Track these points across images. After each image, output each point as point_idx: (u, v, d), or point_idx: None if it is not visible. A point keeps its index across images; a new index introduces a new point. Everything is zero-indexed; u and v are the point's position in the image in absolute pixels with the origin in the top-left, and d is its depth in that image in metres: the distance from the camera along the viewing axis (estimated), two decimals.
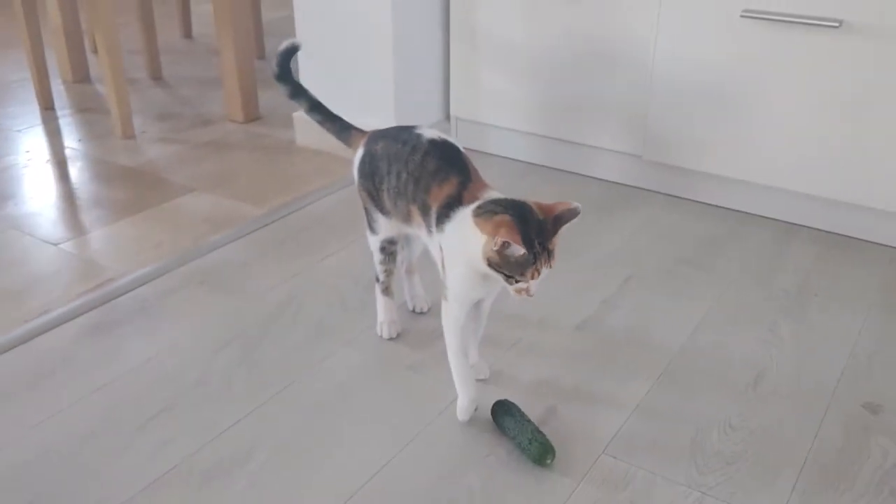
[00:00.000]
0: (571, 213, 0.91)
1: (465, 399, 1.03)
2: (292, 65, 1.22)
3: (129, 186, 1.69)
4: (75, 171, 1.77)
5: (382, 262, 1.16)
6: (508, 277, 0.90)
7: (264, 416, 1.04)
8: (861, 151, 1.39)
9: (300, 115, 1.87)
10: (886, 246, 1.45)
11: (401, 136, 1.07)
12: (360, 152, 1.12)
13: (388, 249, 1.15)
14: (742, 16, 1.41)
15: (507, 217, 0.89)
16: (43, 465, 0.96)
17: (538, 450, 0.96)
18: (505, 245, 0.87)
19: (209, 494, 0.92)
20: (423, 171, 1.02)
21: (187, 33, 2.75)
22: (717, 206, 1.60)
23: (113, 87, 1.86)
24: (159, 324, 1.23)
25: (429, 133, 1.07)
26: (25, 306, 1.27)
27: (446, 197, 0.99)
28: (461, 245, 0.94)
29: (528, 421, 0.99)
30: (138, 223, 1.54)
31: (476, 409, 1.04)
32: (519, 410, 1.01)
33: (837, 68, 1.37)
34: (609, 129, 1.65)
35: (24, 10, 2.03)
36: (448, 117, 1.87)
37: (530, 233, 0.89)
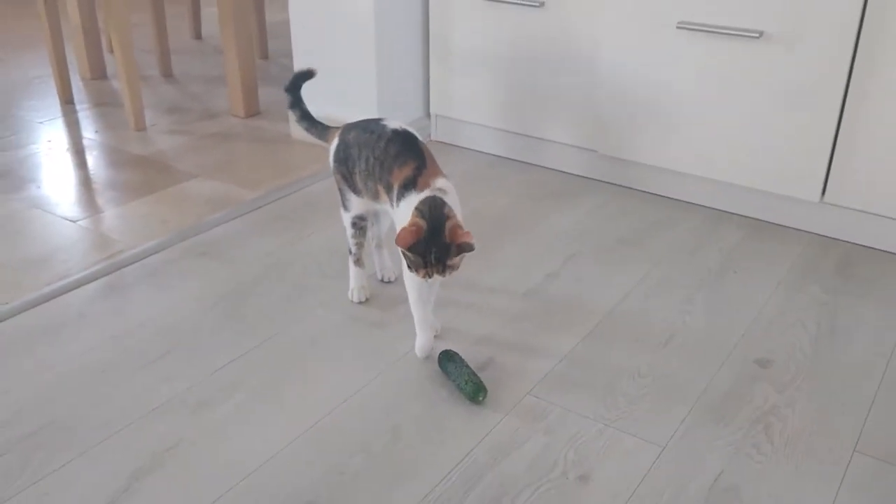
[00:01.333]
0: (468, 247, 1.11)
1: (423, 338, 1.23)
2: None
3: (140, 172, 1.89)
4: (92, 158, 1.98)
5: (354, 237, 1.36)
6: (408, 266, 1.12)
7: (249, 361, 1.24)
8: (781, 146, 1.58)
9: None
10: (803, 231, 1.64)
11: (369, 126, 1.27)
12: (335, 142, 1.32)
13: (359, 225, 1.35)
14: (678, 27, 1.60)
15: (417, 226, 1.10)
16: (61, 395, 1.16)
17: (472, 388, 1.15)
18: (403, 252, 1.10)
19: (199, 420, 1.12)
20: (386, 155, 1.22)
21: (197, 34, 2.96)
22: (658, 194, 1.79)
23: (127, 84, 2.07)
24: (163, 287, 1.43)
25: (392, 124, 1.26)
26: (49, 272, 1.47)
27: (404, 178, 1.18)
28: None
29: (466, 366, 1.18)
30: (147, 204, 1.74)
31: (427, 358, 1.23)
32: (460, 358, 1.20)
33: (758, 72, 1.56)
34: (567, 126, 1.84)
35: (47, 11, 2.24)
36: (428, 114, 2.07)
37: (429, 245, 1.10)
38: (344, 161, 1.29)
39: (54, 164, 1.93)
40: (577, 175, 1.89)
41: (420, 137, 1.26)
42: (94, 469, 1.03)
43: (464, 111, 1.99)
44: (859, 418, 1.14)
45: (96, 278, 1.45)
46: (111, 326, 1.32)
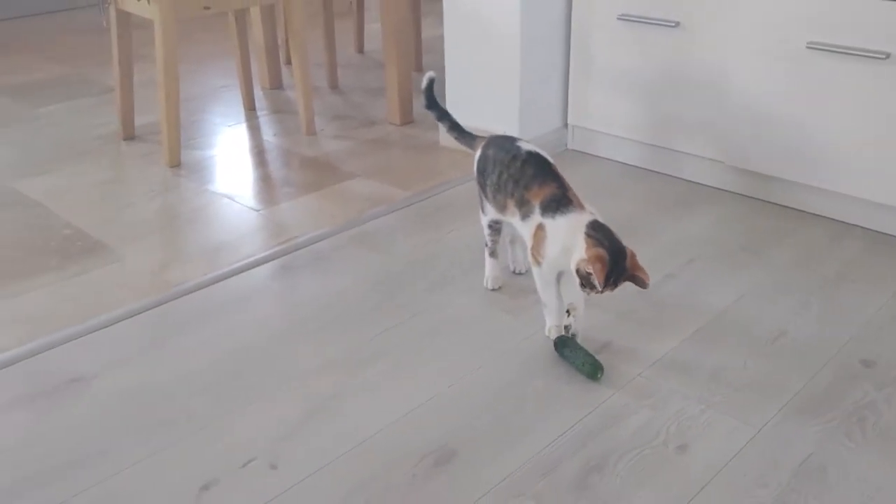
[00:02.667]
0: (642, 282, 1.26)
1: (551, 321, 1.39)
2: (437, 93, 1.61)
3: (310, 171, 2.17)
4: (271, 158, 2.28)
5: (489, 235, 1.54)
6: (581, 285, 1.26)
7: (396, 333, 1.46)
8: None
9: None
10: None
11: (505, 145, 1.44)
12: (478, 153, 1.51)
13: (494, 227, 1.53)
14: (808, 47, 1.69)
15: (606, 256, 1.23)
16: (245, 352, 1.42)
17: (590, 368, 1.31)
18: (591, 275, 1.22)
19: (352, 377, 1.34)
20: (522, 174, 1.38)
21: (360, 49, 3.26)
22: (782, 205, 1.87)
23: (302, 94, 2.36)
24: (328, 269, 1.68)
25: (526, 146, 1.43)
26: (235, 253, 1.75)
27: (550, 195, 1.33)
28: (566, 239, 1.28)
29: (581, 348, 1.34)
30: (316, 198, 2.01)
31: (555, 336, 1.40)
32: (574, 342, 1.36)
33: (884, 92, 1.62)
34: (697, 138, 1.96)
35: (237, 29, 2.59)
36: (566, 124, 2.24)
37: (613, 274, 1.23)
38: (482, 172, 1.48)
39: (240, 162, 2.25)
40: (704, 185, 2.00)
41: (551, 161, 1.42)
42: (272, 410, 1.27)
43: (599, 122, 2.14)
44: None
45: (274, 258, 1.72)
46: (285, 299, 1.58)
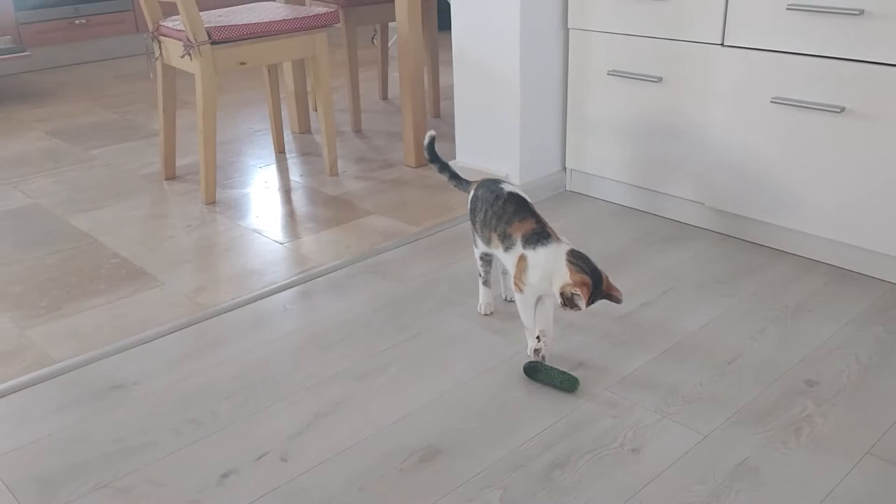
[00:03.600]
0: (616, 299, 1.46)
1: (532, 343, 1.58)
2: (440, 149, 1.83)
3: (331, 208, 2.40)
4: (296, 196, 2.52)
5: (481, 266, 1.75)
6: (563, 305, 1.46)
7: (401, 348, 1.66)
8: (865, 204, 1.81)
9: (455, 164, 2.51)
10: (883, 280, 1.84)
11: (490, 186, 1.65)
12: (470, 195, 1.72)
13: (485, 258, 1.73)
14: (771, 101, 1.88)
15: (588, 281, 1.43)
16: (268, 363, 1.63)
17: (570, 383, 1.49)
18: (577, 296, 1.42)
19: (361, 385, 1.54)
20: (504, 211, 1.59)
21: (384, 96, 3.51)
22: (756, 243, 2.05)
23: (325, 138, 2.60)
24: (343, 294, 1.89)
25: (508, 188, 1.64)
26: (261, 279, 1.98)
27: (530, 230, 1.53)
28: (547, 267, 1.48)
29: (553, 368, 1.52)
30: (335, 232, 2.23)
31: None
32: (544, 365, 1.53)
33: (841, 142, 1.80)
34: (680, 181, 2.15)
35: (269, 78, 2.85)
36: (564, 168, 2.44)
37: (593, 296, 1.44)
38: (473, 210, 1.69)
39: (269, 200, 2.49)
40: (687, 223, 2.18)
41: (529, 200, 1.63)
42: (286, 413, 1.48)
43: (594, 166, 2.34)
44: (882, 429, 1.37)
45: (296, 285, 1.94)
46: (304, 319, 1.79)
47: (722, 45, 1.96)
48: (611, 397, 1.49)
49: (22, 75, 4.21)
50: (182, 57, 2.32)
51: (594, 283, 1.44)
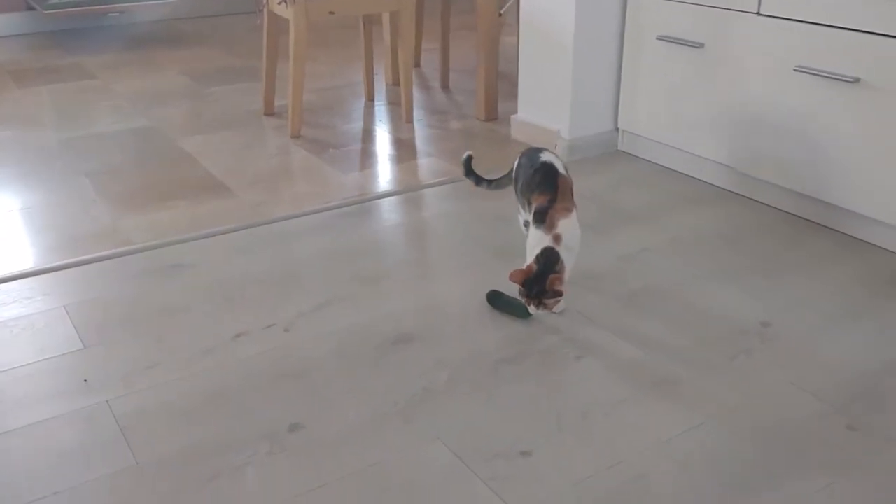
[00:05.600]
0: (556, 294, 1.51)
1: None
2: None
3: (397, 149, 2.66)
4: (369, 137, 2.79)
5: (526, 230, 1.90)
6: (519, 293, 1.57)
7: (409, 265, 1.90)
8: (872, 170, 1.87)
9: (516, 118, 2.70)
10: (885, 250, 1.90)
11: (531, 155, 1.75)
12: (515, 163, 1.83)
13: (528, 225, 1.74)
14: (794, 70, 1.95)
15: (530, 268, 1.52)
16: (298, 264, 1.91)
17: (523, 310, 1.65)
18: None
19: (369, 288, 1.80)
20: (533, 180, 1.70)
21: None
22: (769, 205, 2.13)
23: (404, 89, 2.86)
24: (377, 219, 2.15)
25: (545, 157, 1.70)
26: (316, 200, 2.26)
27: (539, 206, 1.64)
28: (533, 245, 1.59)
29: (513, 298, 1.67)
30: (392, 169, 2.49)
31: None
32: (505, 296, 1.70)
33: (857, 111, 1.86)
34: (715, 145, 2.25)
35: (364, 32, 3.13)
36: (616, 128, 2.58)
37: (533, 285, 1.51)
38: (515, 179, 1.80)
39: (345, 138, 2.77)
40: (718, 186, 2.28)
41: (561, 170, 1.68)
42: (303, 298, 1.76)
43: (644, 128, 2.47)
44: (817, 367, 1.48)
45: (338, 207, 2.21)
46: (340, 234, 2.06)
47: (758, 13, 2.04)
48: (569, 320, 1.66)
49: (168, 21, 4.74)
50: (279, 4, 2.64)
51: (534, 278, 1.52)
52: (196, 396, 1.44)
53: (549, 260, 1.55)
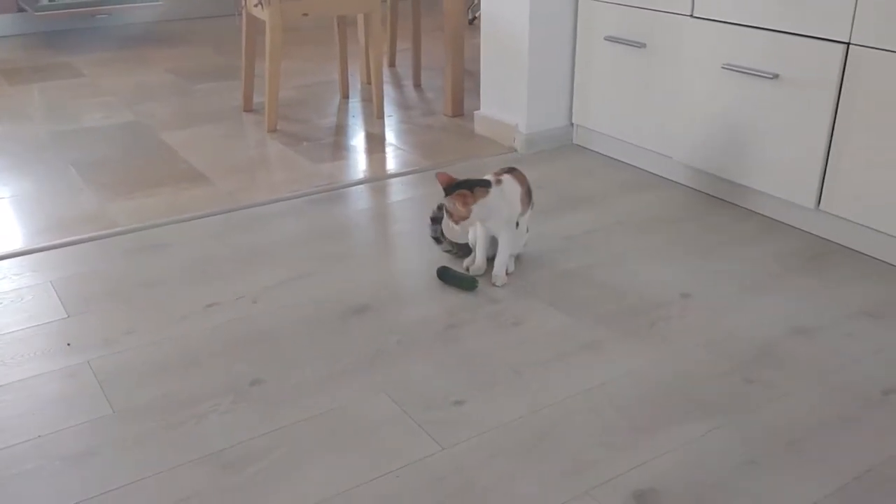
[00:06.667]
0: (455, 199, 1.76)
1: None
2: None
3: (367, 142, 2.83)
4: (341, 131, 2.96)
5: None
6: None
7: (369, 245, 2.07)
8: (782, 158, 2.05)
9: (478, 114, 2.88)
10: (805, 231, 2.08)
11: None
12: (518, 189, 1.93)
13: None
14: (722, 67, 2.13)
15: (454, 180, 1.77)
16: (269, 245, 2.08)
17: (470, 283, 1.84)
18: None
19: (333, 264, 1.96)
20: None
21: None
22: (708, 193, 2.32)
23: (374, 87, 3.03)
24: (346, 205, 2.32)
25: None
26: (289, 188, 2.43)
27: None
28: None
29: (458, 272, 1.87)
30: (361, 160, 2.66)
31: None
32: (451, 270, 1.88)
33: (772, 103, 2.04)
34: (656, 136, 2.42)
35: (338, 32, 3.30)
36: (571, 123, 2.75)
37: (449, 191, 1.76)
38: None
39: (319, 132, 2.94)
40: (658, 175, 2.46)
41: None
42: (272, 272, 1.92)
43: (595, 122, 2.65)
44: (724, 330, 1.65)
45: (309, 195, 2.38)
46: (308, 218, 2.23)
47: (691, 15, 2.22)
48: (509, 292, 1.84)
49: (157, 23, 4.90)
50: (255, 6, 2.81)
51: (454, 185, 1.78)
52: (169, 357, 1.61)
53: (469, 182, 1.78)
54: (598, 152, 2.68)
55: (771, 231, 2.10)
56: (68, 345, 1.65)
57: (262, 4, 2.76)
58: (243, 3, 2.98)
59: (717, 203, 2.27)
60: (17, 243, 2.09)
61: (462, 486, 1.27)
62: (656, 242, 2.05)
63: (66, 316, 1.76)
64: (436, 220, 1.92)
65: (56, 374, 1.56)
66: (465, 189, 1.77)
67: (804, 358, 1.58)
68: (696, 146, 2.30)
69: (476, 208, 1.77)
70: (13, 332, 1.70)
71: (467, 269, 1.90)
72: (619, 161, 2.60)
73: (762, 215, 2.19)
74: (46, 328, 1.71)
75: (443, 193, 1.80)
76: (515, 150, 2.72)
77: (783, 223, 2.14)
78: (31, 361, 1.60)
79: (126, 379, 1.54)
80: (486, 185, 1.80)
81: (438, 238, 1.94)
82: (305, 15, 2.82)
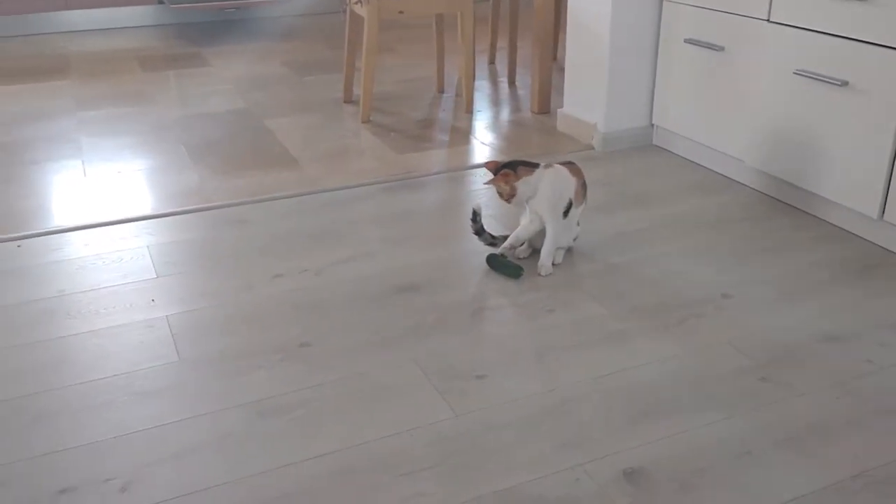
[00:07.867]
0: (499, 178, 1.91)
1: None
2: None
3: (451, 135, 2.96)
4: (430, 124, 3.10)
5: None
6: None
7: (429, 229, 2.20)
8: (851, 165, 2.02)
9: (561, 111, 2.95)
10: (863, 238, 2.04)
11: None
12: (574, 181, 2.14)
13: None
14: (794, 73, 2.12)
15: (499, 164, 1.93)
16: (334, 227, 2.25)
17: (515, 270, 1.93)
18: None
19: (389, 246, 2.11)
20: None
21: (554, 57, 3.97)
22: (775, 198, 2.30)
23: (465, 81, 3.16)
24: (419, 193, 2.46)
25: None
26: (369, 175, 2.60)
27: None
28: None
29: (508, 260, 1.97)
30: (441, 153, 2.80)
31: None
32: (499, 257, 1.98)
33: (845, 111, 2.02)
34: (734, 140, 2.43)
35: (436, 29, 3.45)
36: (651, 124, 2.78)
37: (499, 169, 1.93)
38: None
39: (409, 124, 3.10)
40: (728, 177, 2.46)
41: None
42: (338, 249, 2.09)
43: (674, 124, 2.67)
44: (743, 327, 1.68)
45: (385, 182, 2.54)
46: (381, 204, 2.39)
47: (768, 20, 2.22)
48: (551, 283, 1.92)
49: (279, 17, 5.22)
50: (356, 3, 3.00)
51: (500, 167, 1.93)
52: (233, 317, 1.81)
53: (513, 163, 1.92)
54: (676, 153, 2.70)
55: (830, 238, 2.08)
56: (152, 301, 1.88)
57: (361, 2, 2.95)
58: (347, 1, 3.18)
59: (780, 207, 2.26)
60: (124, 212, 2.37)
61: (465, 448, 1.39)
62: (709, 242, 2.08)
63: (155, 276, 1.99)
64: (476, 215, 2.04)
65: (138, 324, 1.79)
66: (508, 169, 1.88)
67: (828, 363, 1.59)
68: (765, 150, 2.29)
69: (521, 185, 1.89)
70: (109, 286, 1.95)
71: (514, 250, 2.01)
72: (694, 163, 2.62)
73: (825, 222, 2.16)
74: (137, 286, 1.95)
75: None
76: (592, 148, 2.79)
77: (846, 230, 2.11)
78: (119, 313, 1.83)
79: (194, 333, 1.75)
80: (531, 165, 1.90)
81: (479, 231, 2.05)
82: (401, 12, 2.98)
